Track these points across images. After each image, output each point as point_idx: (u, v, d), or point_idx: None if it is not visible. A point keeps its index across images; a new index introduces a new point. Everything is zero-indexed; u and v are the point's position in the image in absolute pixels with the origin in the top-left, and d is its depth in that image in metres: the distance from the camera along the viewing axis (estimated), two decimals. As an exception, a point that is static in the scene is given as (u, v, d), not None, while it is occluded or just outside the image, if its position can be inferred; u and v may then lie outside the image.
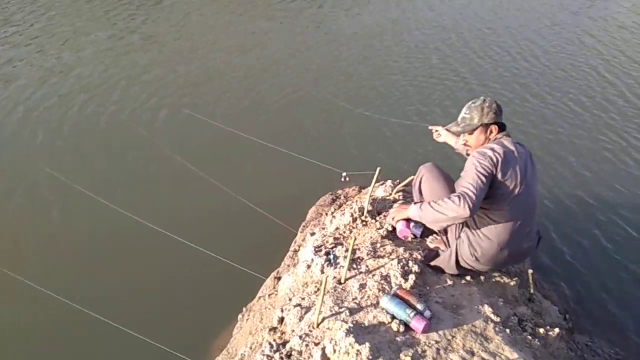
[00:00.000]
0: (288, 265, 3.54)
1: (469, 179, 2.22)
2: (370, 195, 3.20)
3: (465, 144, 2.55)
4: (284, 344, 2.28)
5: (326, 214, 3.97)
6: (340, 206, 4.00)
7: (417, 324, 2.15)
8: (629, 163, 4.94)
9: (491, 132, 2.42)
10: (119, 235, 4.07)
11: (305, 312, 2.41)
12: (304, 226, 4.03)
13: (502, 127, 2.42)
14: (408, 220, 2.74)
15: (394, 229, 2.92)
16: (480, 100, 2.43)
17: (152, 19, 8.56)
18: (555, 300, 2.91)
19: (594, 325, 3.35)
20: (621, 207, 4.36)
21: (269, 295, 3.05)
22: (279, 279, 3.42)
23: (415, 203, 2.48)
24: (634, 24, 8.22)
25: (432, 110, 5.85)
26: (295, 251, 3.69)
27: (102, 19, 8.59)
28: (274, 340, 2.32)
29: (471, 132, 2.45)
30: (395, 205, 2.90)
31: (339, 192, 4.44)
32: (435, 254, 2.65)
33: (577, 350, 2.57)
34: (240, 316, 3.29)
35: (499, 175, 2.25)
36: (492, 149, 2.30)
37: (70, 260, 3.91)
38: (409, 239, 2.85)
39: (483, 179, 2.19)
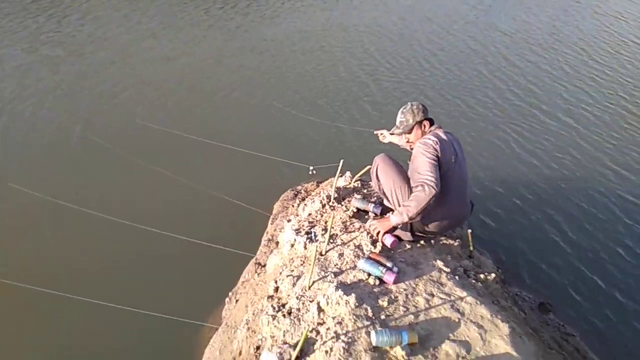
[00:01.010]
0: (265, 253, 4.03)
1: (423, 167, 2.85)
2: (335, 184, 3.77)
3: (407, 142, 3.20)
4: (283, 305, 2.78)
5: (292, 206, 4.51)
6: (303, 199, 4.52)
7: (389, 277, 2.74)
8: (529, 146, 5.90)
9: (425, 126, 3.09)
10: (98, 237, 4.34)
11: (297, 280, 2.92)
12: (272, 218, 4.53)
13: (432, 122, 3.10)
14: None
15: (357, 210, 3.50)
16: (409, 105, 3.10)
17: (72, 34, 8.59)
18: (489, 257, 3.64)
19: (521, 278, 4.16)
20: (538, 180, 5.27)
21: (258, 274, 3.52)
22: (258, 264, 3.90)
23: (391, 212, 3.03)
24: (509, 28, 9.50)
25: (365, 112, 6.53)
26: (269, 240, 4.17)
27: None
28: (273, 304, 2.80)
29: (410, 131, 3.11)
30: (372, 221, 3.12)
31: (299, 187, 4.98)
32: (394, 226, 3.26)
33: (508, 299, 3.28)
34: (227, 299, 3.74)
35: (440, 157, 2.91)
36: (430, 139, 2.95)
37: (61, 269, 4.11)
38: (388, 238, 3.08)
39: (433, 161, 2.84)
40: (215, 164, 5.29)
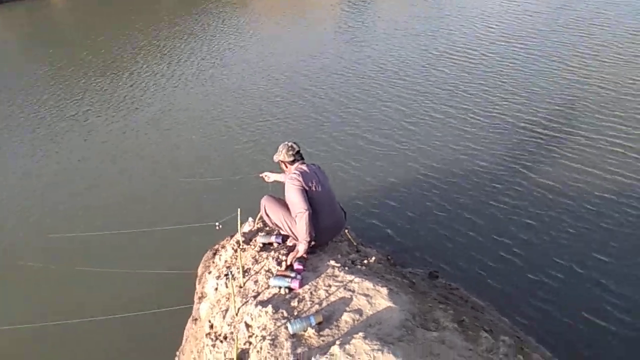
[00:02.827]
0: (198, 309, 4.57)
1: (293, 198, 3.68)
2: (241, 231, 4.47)
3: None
4: (219, 335, 3.38)
5: (213, 263, 5.11)
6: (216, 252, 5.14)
7: (295, 284, 3.48)
8: (387, 150, 7.08)
9: (287, 165, 3.92)
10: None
11: (226, 313, 3.55)
12: (199, 279, 5.09)
13: (298, 158, 3.93)
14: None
15: (264, 244, 4.22)
16: (280, 147, 3.95)
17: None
18: (373, 248, 4.51)
19: (414, 258, 5.09)
20: (402, 183, 6.37)
21: (194, 322, 4.06)
22: (195, 319, 4.43)
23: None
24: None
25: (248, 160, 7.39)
26: (200, 297, 4.72)
27: None
28: (211, 337, 3.39)
29: (285, 166, 3.95)
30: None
31: (216, 246, 5.60)
32: (293, 245, 4.03)
33: (392, 273, 4.14)
34: (176, 358, 4.21)
35: (305, 186, 3.74)
36: (294, 174, 3.80)
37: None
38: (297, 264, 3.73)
39: (299, 191, 3.68)
40: (138, 248, 5.77)
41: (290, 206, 3.80)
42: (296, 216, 3.65)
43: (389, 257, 4.59)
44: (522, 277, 4.76)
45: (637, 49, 9.73)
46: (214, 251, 5.54)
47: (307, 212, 3.58)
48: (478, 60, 10.13)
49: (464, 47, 10.95)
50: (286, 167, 3.94)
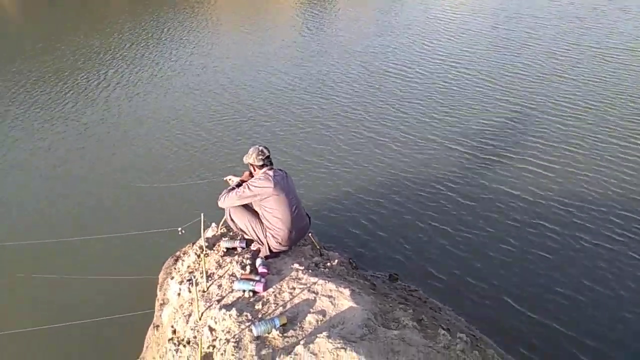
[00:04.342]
0: (159, 316, 4.51)
1: (244, 189, 3.83)
2: (204, 236, 4.46)
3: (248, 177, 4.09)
4: (182, 340, 3.36)
5: (174, 269, 5.05)
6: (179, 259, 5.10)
7: (259, 287, 3.51)
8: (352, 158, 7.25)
9: (255, 169, 3.98)
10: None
11: (189, 317, 3.53)
12: (160, 286, 5.01)
13: (267, 163, 3.98)
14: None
15: (227, 249, 4.23)
16: (251, 149, 3.98)
17: None
18: (336, 252, 4.60)
19: (375, 262, 5.20)
20: (360, 189, 6.52)
21: (156, 329, 4.01)
22: (157, 326, 4.37)
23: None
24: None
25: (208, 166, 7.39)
26: (162, 304, 4.66)
27: None
28: (174, 342, 3.37)
29: (253, 169, 3.99)
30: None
31: (178, 253, 5.54)
32: (257, 250, 4.06)
33: (354, 275, 4.24)
34: (137, 366, 4.14)
35: (271, 190, 3.79)
36: (259, 178, 3.86)
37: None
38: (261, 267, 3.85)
39: (248, 191, 3.81)
40: (99, 254, 5.63)
41: (243, 186, 3.91)
42: (237, 192, 3.91)
43: (351, 261, 4.69)
44: (478, 279, 4.97)
45: (577, 63, 10.45)
46: (176, 258, 5.47)
47: (237, 201, 3.94)
48: (443, 71, 10.53)
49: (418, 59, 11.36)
50: (254, 170, 3.98)
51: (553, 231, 5.54)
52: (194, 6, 18.48)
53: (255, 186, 3.82)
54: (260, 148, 3.97)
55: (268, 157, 3.96)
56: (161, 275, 5.22)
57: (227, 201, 3.97)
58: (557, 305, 4.60)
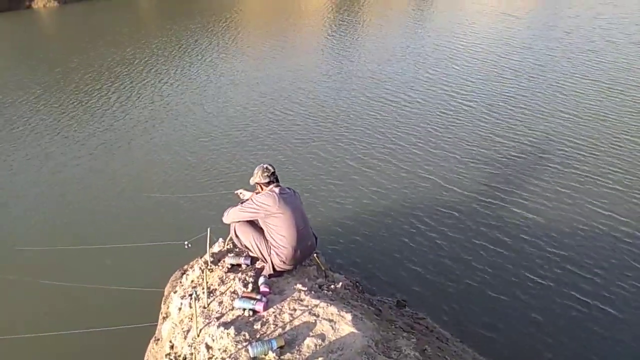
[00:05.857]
0: (161, 329, 4.46)
1: (246, 205, 3.79)
2: (210, 251, 4.43)
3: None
4: (179, 356, 3.30)
5: (180, 283, 5.02)
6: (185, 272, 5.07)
7: (259, 307, 3.44)
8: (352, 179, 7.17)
9: (261, 187, 3.95)
10: None
11: (187, 333, 3.48)
12: (165, 299, 4.98)
13: (273, 180, 3.95)
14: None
15: (232, 265, 4.18)
16: (256, 169, 3.96)
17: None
18: (342, 274, 4.50)
19: (383, 287, 5.09)
20: (370, 213, 6.42)
21: (156, 342, 3.96)
22: (158, 339, 4.32)
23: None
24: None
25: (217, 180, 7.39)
26: (164, 317, 4.62)
27: None
28: (171, 358, 3.31)
29: (261, 188, 3.96)
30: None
31: (185, 266, 5.52)
32: (261, 268, 4.00)
33: (359, 299, 4.13)
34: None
35: (275, 208, 3.75)
36: (264, 194, 3.83)
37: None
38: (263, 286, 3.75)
39: (250, 208, 3.79)
40: (106, 264, 5.66)
41: (248, 200, 3.90)
42: (240, 207, 3.89)
43: (358, 284, 4.58)
44: (490, 310, 4.80)
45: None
46: (183, 271, 5.44)
47: (225, 217, 3.93)
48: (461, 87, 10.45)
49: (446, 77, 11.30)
50: (262, 189, 3.94)
51: (568, 260, 5.36)
52: (218, 24, 18.85)
53: (258, 201, 3.78)
54: (265, 166, 3.96)
55: (273, 173, 3.94)
56: (167, 288, 5.19)
57: (231, 216, 3.96)
58: (575, 342, 4.39)
